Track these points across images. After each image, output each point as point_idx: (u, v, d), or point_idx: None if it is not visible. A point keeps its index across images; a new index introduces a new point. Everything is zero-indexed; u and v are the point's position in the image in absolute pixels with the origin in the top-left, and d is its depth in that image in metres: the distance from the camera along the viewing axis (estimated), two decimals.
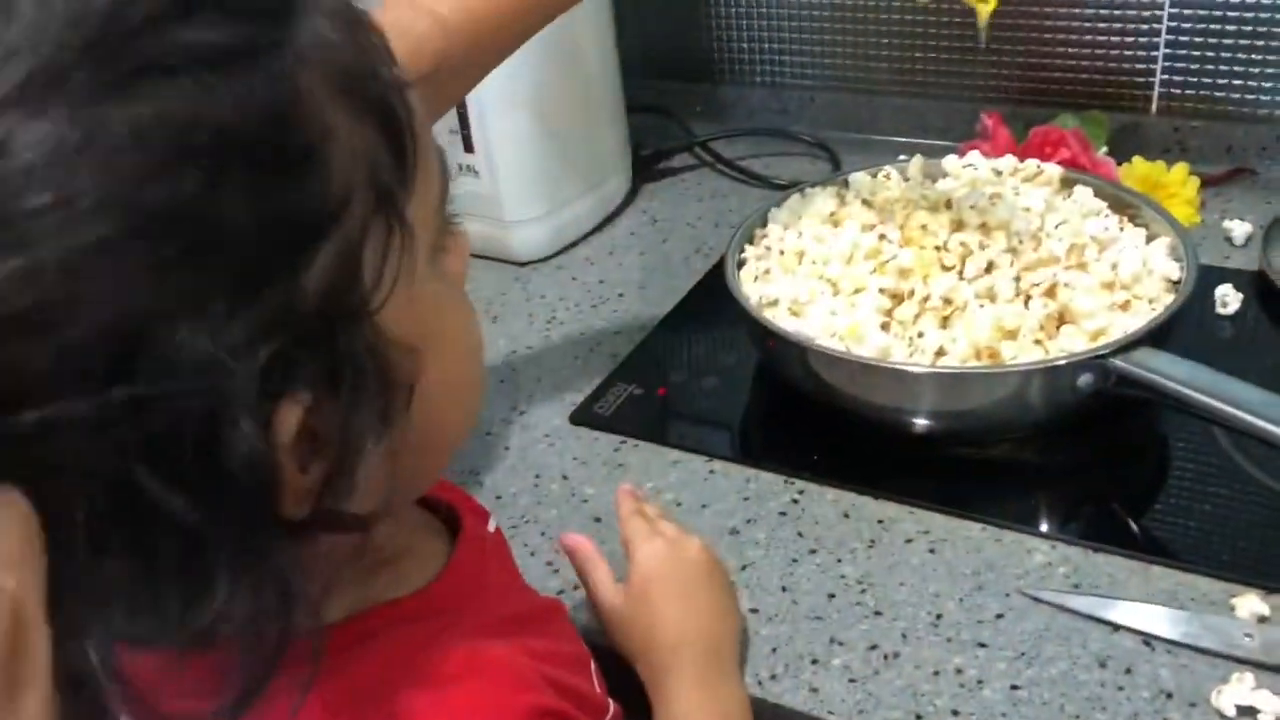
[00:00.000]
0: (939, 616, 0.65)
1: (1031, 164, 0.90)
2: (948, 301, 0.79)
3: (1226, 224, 0.98)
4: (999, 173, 0.87)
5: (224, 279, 0.32)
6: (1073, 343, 0.75)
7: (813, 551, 0.70)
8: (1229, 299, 0.88)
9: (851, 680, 0.61)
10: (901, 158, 1.11)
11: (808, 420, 0.79)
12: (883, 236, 0.83)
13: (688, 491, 0.76)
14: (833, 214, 0.87)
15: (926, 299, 0.79)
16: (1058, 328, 0.77)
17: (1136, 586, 0.65)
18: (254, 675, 0.36)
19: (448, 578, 0.48)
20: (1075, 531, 0.69)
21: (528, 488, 0.78)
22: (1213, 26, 1.04)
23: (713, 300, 0.80)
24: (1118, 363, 0.70)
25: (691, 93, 1.30)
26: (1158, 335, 0.72)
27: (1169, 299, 0.76)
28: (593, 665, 0.53)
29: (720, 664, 0.59)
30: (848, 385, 0.75)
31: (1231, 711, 0.57)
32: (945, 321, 0.79)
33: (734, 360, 0.87)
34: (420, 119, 0.40)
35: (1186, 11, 1.04)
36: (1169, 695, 0.58)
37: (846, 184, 0.93)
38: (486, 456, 0.82)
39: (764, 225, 0.89)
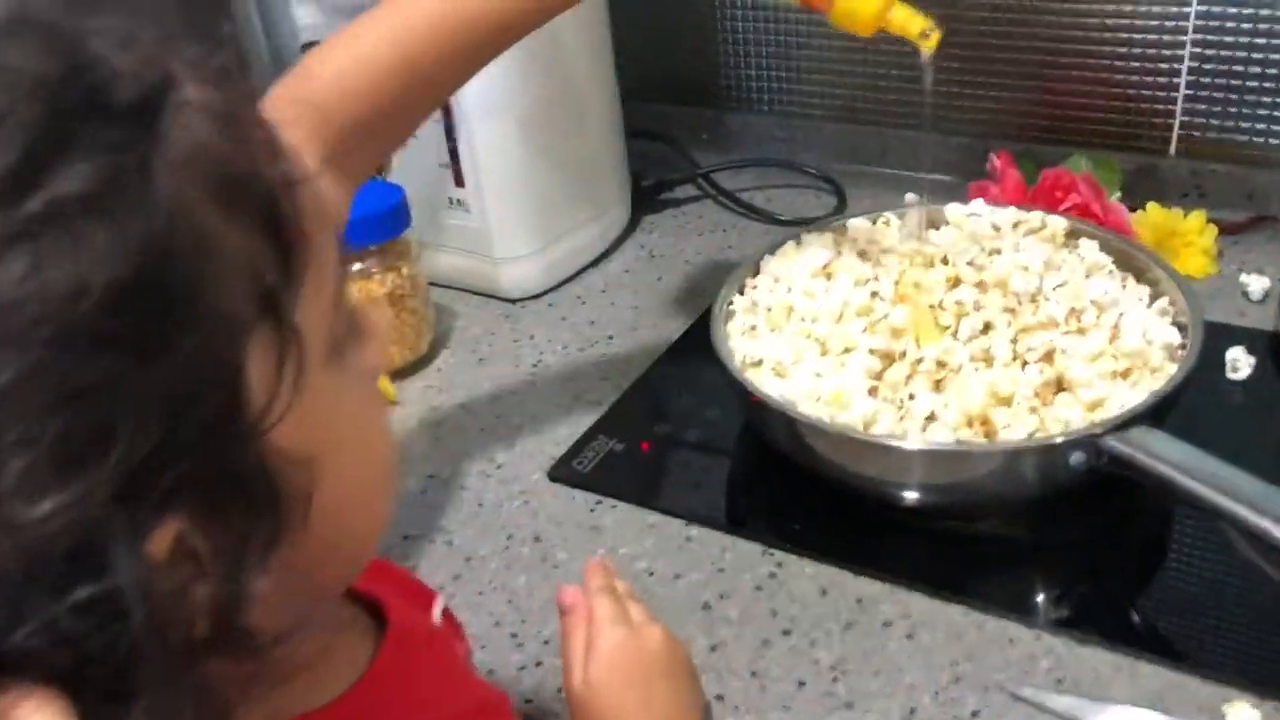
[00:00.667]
0: (912, 711, 0.62)
1: (1036, 216, 0.86)
2: (941, 364, 0.76)
3: (1244, 278, 0.94)
4: (998, 228, 0.83)
5: (98, 436, 0.30)
6: (1069, 413, 0.71)
7: (786, 632, 0.67)
8: (1240, 363, 0.84)
9: None
10: (909, 196, 1.09)
11: (791, 484, 0.76)
12: (875, 294, 0.79)
13: (662, 560, 0.73)
14: (826, 266, 0.84)
15: (919, 361, 0.76)
16: (1055, 395, 0.74)
17: (1123, 686, 0.61)
18: None
19: (365, 685, 0.45)
20: (1062, 621, 0.66)
21: (499, 550, 0.76)
22: (1236, 67, 0.99)
23: (702, 347, 0.78)
24: (1111, 442, 0.66)
25: (698, 119, 1.27)
26: (1157, 411, 0.68)
27: (1173, 368, 0.73)
28: None
29: None
30: (832, 454, 0.72)
31: None
32: (938, 385, 0.75)
33: (719, 414, 0.85)
34: (316, 212, 0.37)
35: (1209, 51, 1.00)
36: None
37: (845, 229, 0.90)
38: (459, 513, 0.79)
39: (756, 274, 0.86)
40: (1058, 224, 0.85)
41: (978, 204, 0.88)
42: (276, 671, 0.40)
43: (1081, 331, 0.75)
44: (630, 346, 0.95)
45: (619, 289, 1.04)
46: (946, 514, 0.74)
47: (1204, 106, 1.02)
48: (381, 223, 0.89)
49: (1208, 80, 1.01)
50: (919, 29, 0.75)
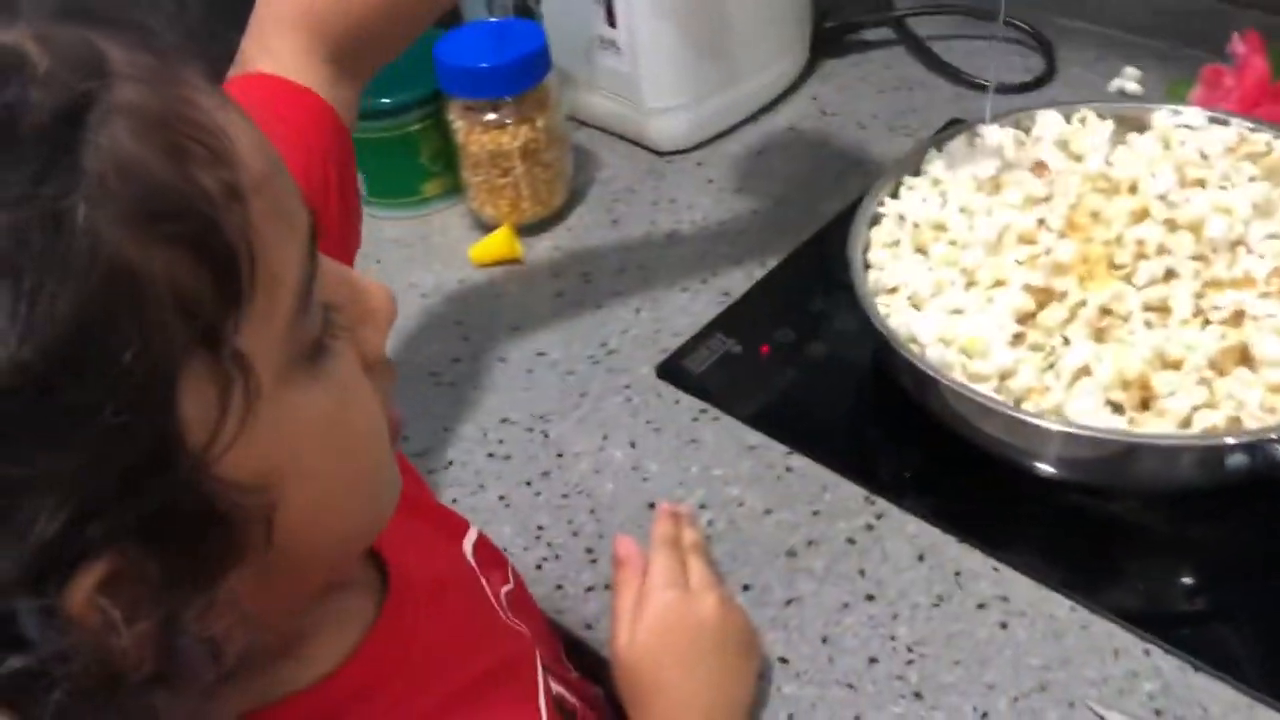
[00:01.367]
0: (984, 716, 0.57)
1: (1263, 139, 0.72)
2: (1106, 311, 0.66)
3: None
4: (1205, 156, 0.70)
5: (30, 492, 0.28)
6: (1246, 393, 0.62)
7: (870, 597, 0.63)
8: None
9: None
10: (1127, 70, 0.94)
11: (913, 427, 0.69)
12: (1042, 221, 0.69)
13: (756, 490, 0.69)
14: (994, 177, 0.74)
15: (1081, 304, 0.66)
16: (1234, 366, 0.64)
17: None
18: None
19: (361, 658, 0.43)
20: (1180, 640, 0.59)
21: (592, 450, 0.73)
22: None
23: (846, 242, 0.70)
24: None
25: None
26: None
27: None
28: None
29: None
30: (957, 406, 0.65)
31: None
32: (1100, 335, 0.66)
33: (852, 328, 0.77)
34: (274, 212, 0.33)
35: None
36: None
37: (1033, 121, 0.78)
38: (560, 402, 0.76)
39: (917, 173, 0.77)
40: None
41: (1193, 114, 0.75)
42: (257, 658, 0.38)
43: None
44: (773, 226, 0.88)
45: (777, 151, 0.95)
46: (1079, 488, 0.66)
47: None
48: (515, 73, 0.83)
49: None
50: None
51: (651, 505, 0.69)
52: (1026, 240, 0.70)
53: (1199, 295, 0.66)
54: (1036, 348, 0.66)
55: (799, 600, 0.63)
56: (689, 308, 0.82)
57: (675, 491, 0.69)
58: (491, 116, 0.85)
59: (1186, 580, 0.63)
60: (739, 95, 0.97)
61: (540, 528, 0.69)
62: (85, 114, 0.29)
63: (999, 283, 0.69)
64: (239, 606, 0.34)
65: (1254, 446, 0.58)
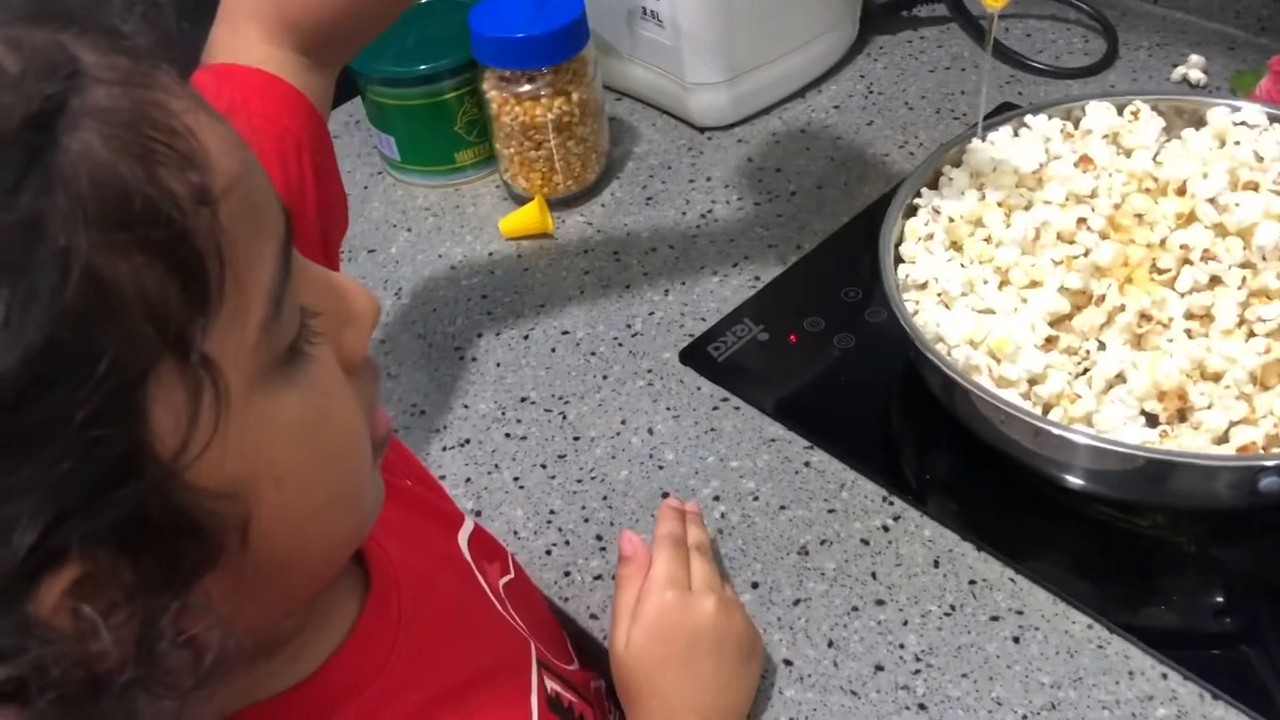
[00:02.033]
0: None
1: None
2: (1145, 318, 0.64)
3: None
4: (1261, 159, 0.67)
5: None
6: None
7: (880, 602, 0.61)
8: None
9: None
10: (1192, 58, 0.91)
11: (938, 428, 0.67)
12: (1083, 221, 0.67)
13: (772, 484, 0.68)
14: (1037, 171, 0.71)
15: (1120, 309, 0.64)
16: (1278, 380, 0.61)
17: None
18: None
19: (346, 653, 0.43)
20: (1198, 663, 0.57)
21: (609, 434, 0.72)
22: None
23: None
24: None
25: None
26: None
27: None
28: None
29: None
30: (983, 410, 0.63)
31: None
32: (1139, 341, 0.64)
33: (883, 321, 0.75)
34: (246, 214, 0.32)
35: None
36: None
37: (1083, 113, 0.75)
38: (581, 384, 0.75)
39: (959, 164, 0.74)
40: None
41: (1252, 110, 0.71)
42: (240, 659, 0.38)
43: None
44: (811, 209, 0.85)
45: (820, 130, 0.93)
46: (1104, 501, 0.64)
47: None
48: (551, 44, 0.81)
49: None
50: None
51: (665, 494, 0.68)
52: (1065, 240, 0.67)
53: (1245, 305, 0.63)
54: (1069, 352, 0.64)
55: (807, 601, 0.62)
56: (718, 291, 0.80)
57: (690, 481, 0.68)
58: (526, 88, 0.83)
59: (1210, 603, 0.61)
60: (784, 71, 0.94)
61: (552, 512, 0.68)
62: (56, 119, 0.28)
63: (1034, 283, 0.66)
64: (216, 611, 0.34)
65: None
